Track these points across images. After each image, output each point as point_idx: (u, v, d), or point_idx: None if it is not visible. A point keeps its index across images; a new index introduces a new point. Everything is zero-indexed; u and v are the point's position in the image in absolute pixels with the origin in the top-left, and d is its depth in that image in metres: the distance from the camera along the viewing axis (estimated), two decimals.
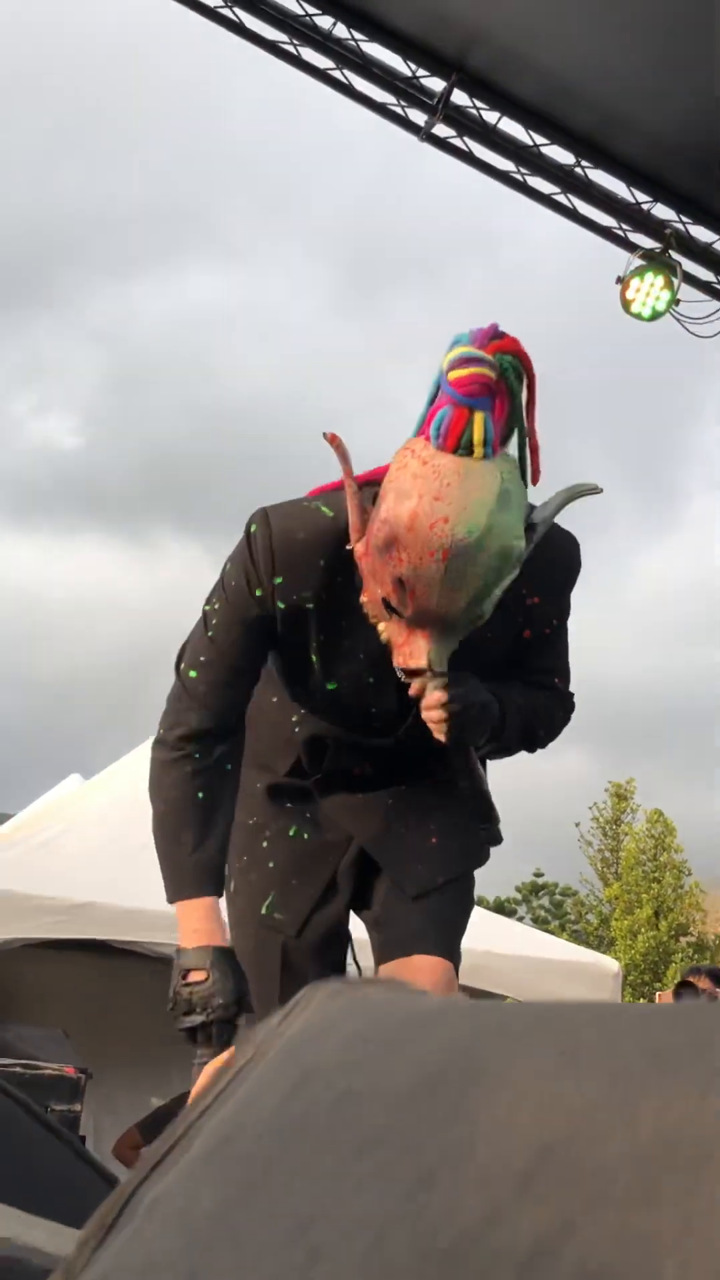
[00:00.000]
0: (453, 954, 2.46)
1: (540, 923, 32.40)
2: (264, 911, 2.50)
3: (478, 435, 1.93)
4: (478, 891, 2.70)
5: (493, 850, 2.60)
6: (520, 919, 29.53)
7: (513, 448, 2.04)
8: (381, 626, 2.10)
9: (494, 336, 1.97)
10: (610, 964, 7.98)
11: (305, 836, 2.49)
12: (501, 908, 33.15)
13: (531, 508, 2.09)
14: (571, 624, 2.46)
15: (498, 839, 2.51)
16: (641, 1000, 17.98)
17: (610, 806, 30.24)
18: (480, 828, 2.47)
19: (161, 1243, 0.46)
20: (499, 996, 8.51)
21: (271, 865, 2.48)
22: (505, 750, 2.42)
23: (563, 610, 2.37)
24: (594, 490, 2.16)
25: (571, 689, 2.47)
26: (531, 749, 2.46)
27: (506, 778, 2.76)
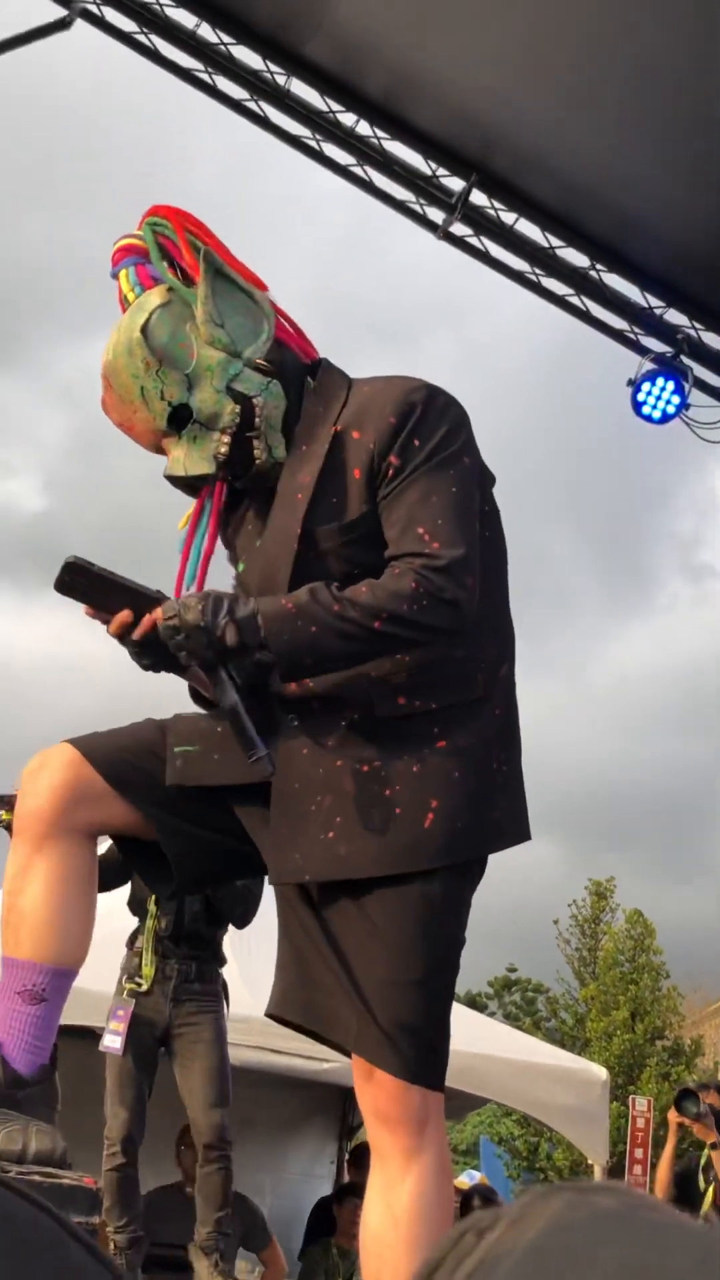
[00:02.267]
0: (414, 1052, 2.22)
1: (511, 1019, 32.04)
2: (176, 747, 2.41)
3: (125, 288, 2.41)
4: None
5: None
6: (491, 1014, 29.19)
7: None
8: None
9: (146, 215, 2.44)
10: (598, 1071, 7.83)
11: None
12: (474, 1002, 32.79)
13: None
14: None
15: (268, 770, 2.25)
16: (615, 1104, 17.76)
17: (589, 904, 29.99)
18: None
19: None
20: (485, 1101, 8.39)
21: (219, 730, 2.36)
22: (303, 659, 2.23)
23: (404, 450, 2.30)
24: None
25: (455, 551, 2.24)
26: (370, 645, 2.23)
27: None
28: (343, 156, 7.17)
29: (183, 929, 5.38)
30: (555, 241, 7.33)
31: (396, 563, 2.26)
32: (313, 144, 7.14)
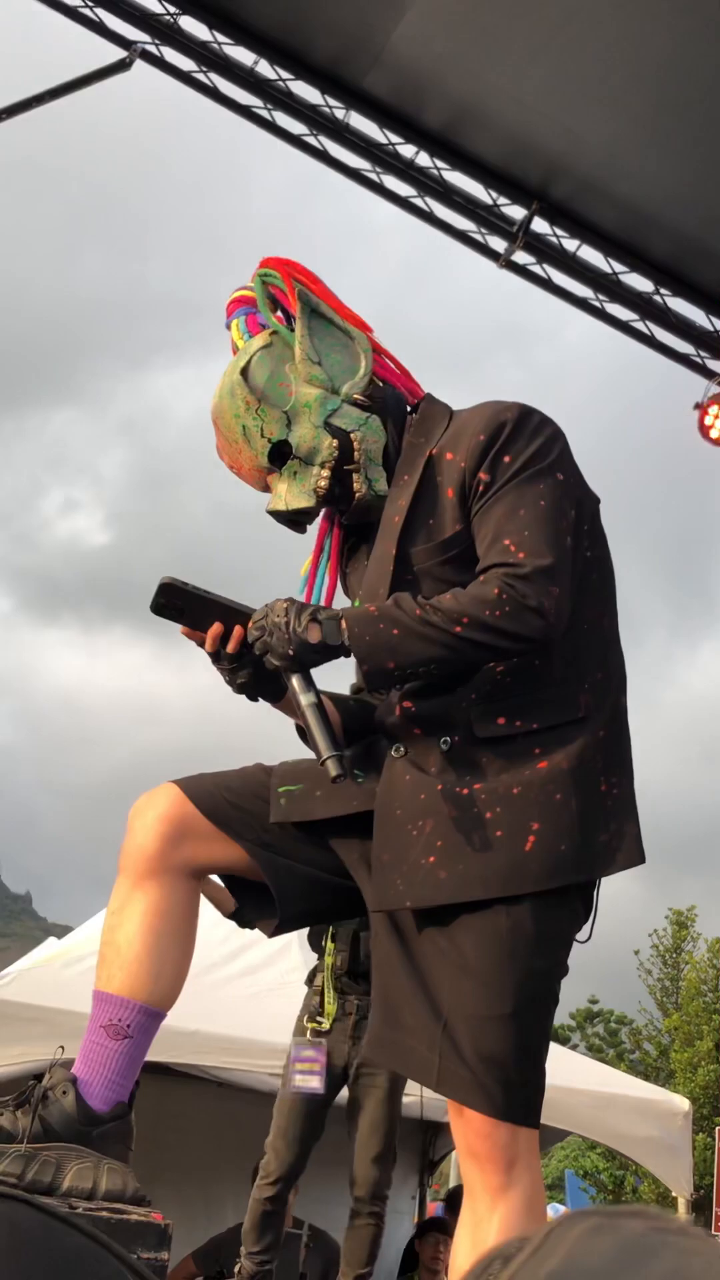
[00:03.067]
0: (503, 1089, 2.15)
1: (595, 1051, 31.72)
2: (280, 787, 2.41)
3: (235, 337, 2.51)
4: None
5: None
6: (574, 1046, 28.93)
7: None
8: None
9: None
10: (680, 1102, 7.72)
11: (359, 780, 2.36)
12: (556, 1035, 32.47)
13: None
14: None
15: (343, 775, 2.20)
16: (701, 1135, 17.53)
17: (670, 934, 29.66)
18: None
19: None
20: (566, 1133, 8.28)
21: (321, 768, 2.29)
22: (385, 662, 2.20)
23: (494, 466, 2.31)
24: None
25: (541, 560, 2.20)
26: (452, 650, 2.19)
27: None
28: (403, 188, 7.20)
29: (360, 965, 5.17)
30: (619, 267, 7.32)
31: (483, 574, 2.25)
32: (373, 176, 7.17)
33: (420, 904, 2.23)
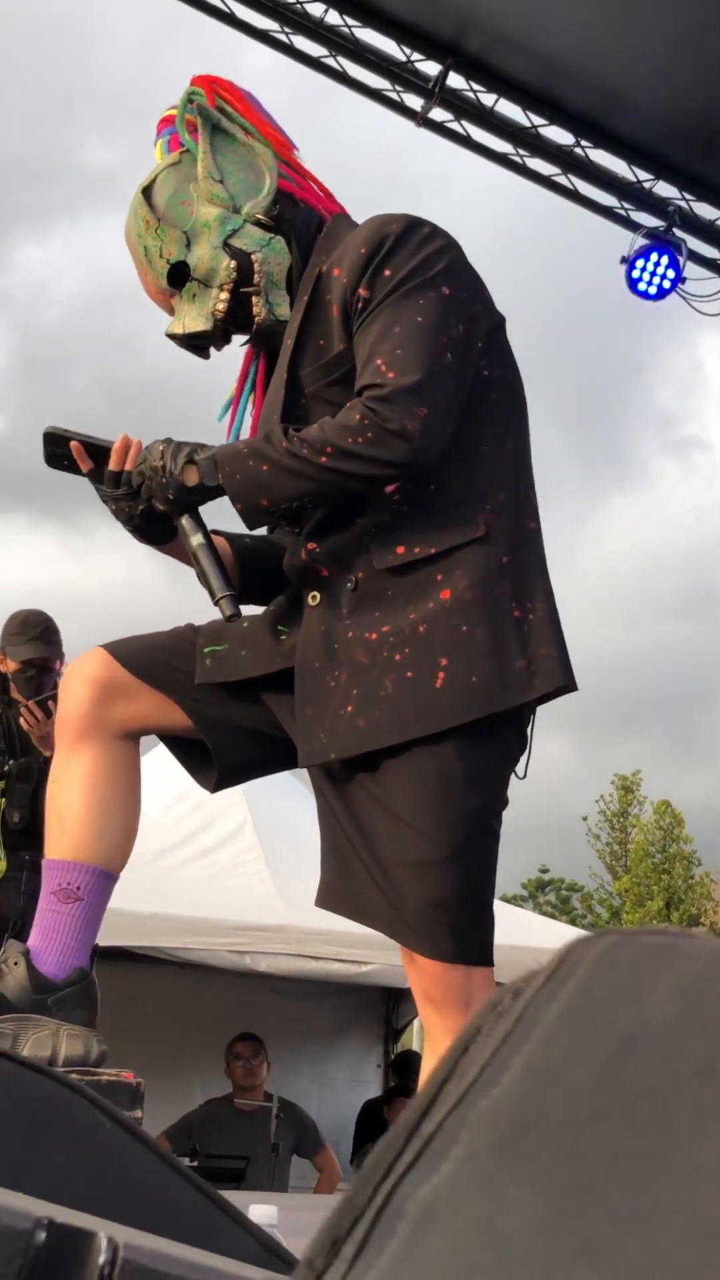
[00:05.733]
0: (450, 933, 2.14)
1: (548, 919, 32.31)
2: (205, 648, 2.38)
3: (157, 156, 2.47)
4: None
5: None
6: None
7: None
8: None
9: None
10: None
11: (282, 636, 2.33)
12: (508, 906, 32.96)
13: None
14: None
15: (237, 615, 2.24)
16: None
17: (616, 799, 30.14)
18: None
19: (461, 1258, 0.36)
20: None
21: (245, 626, 2.35)
22: (258, 499, 2.18)
23: (373, 281, 2.23)
24: None
25: (406, 379, 2.12)
26: (319, 482, 2.15)
27: None
28: (314, 49, 7.00)
29: (39, 823, 5.17)
30: (538, 120, 7.17)
31: (354, 398, 2.18)
32: (282, 38, 6.96)
33: (344, 755, 2.20)
